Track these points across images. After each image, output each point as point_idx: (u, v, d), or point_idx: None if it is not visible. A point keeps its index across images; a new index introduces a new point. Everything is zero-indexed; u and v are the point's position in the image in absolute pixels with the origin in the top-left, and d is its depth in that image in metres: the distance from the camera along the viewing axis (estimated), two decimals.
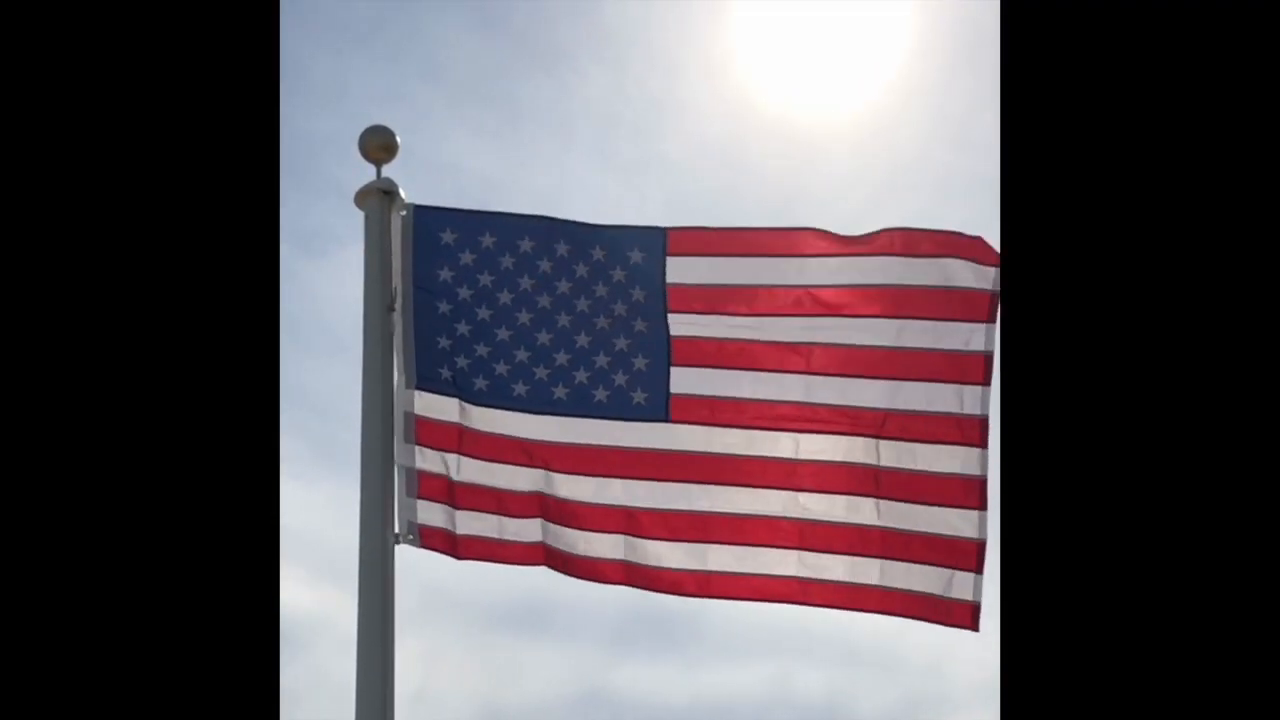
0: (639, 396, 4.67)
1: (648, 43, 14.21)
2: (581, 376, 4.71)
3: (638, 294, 4.72)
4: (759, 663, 14.44)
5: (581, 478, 4.69)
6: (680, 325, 4.68)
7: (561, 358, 4.71)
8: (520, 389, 4.71)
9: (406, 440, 4.67)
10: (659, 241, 4.70)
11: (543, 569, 4.80)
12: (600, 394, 4.69)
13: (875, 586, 4.57)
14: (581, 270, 4.74)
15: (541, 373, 4.71)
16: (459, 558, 4.72)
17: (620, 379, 4.70)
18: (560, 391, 4.70)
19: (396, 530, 4.56)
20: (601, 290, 4.73)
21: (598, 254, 4.74)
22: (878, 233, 4.61)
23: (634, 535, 4.68)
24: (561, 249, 4.74)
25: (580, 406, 4.69)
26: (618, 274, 4.73)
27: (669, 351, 4.67)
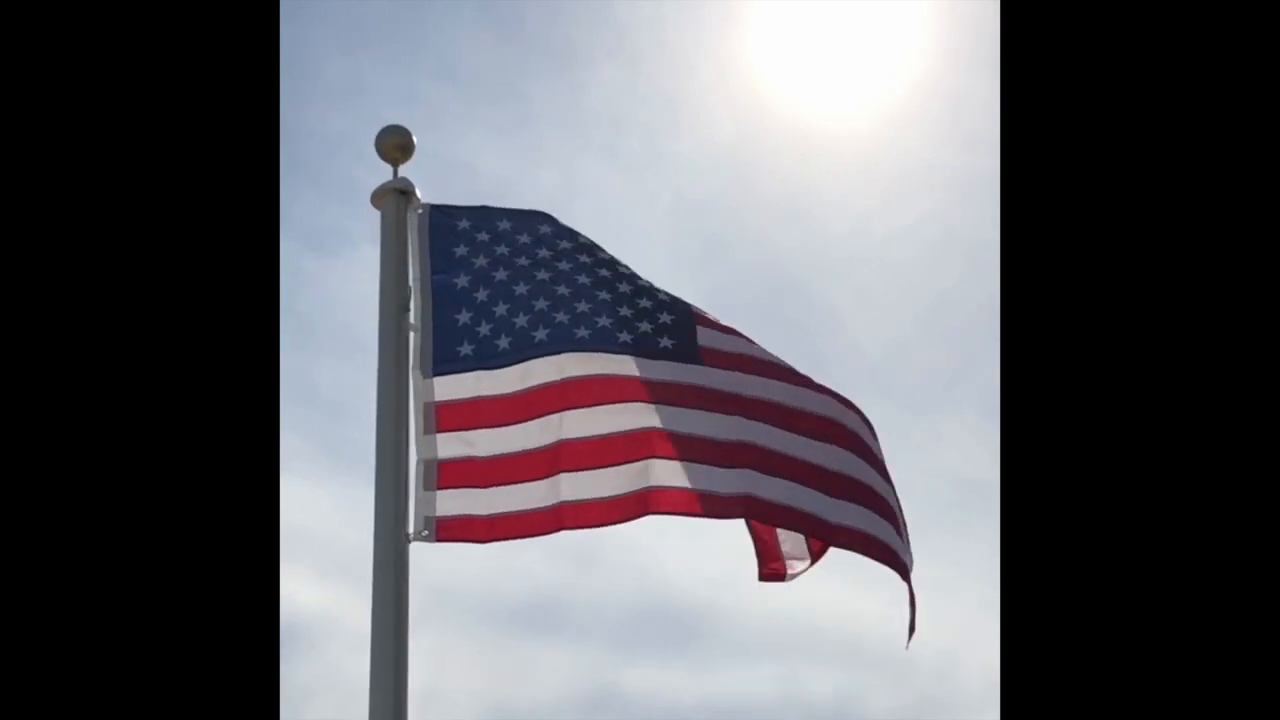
0: (666, 342, 4.74)
1: (659, 42, 14.22)
2: (604, 321, 4.76)
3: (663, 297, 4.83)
4: (768, 664, 14.44)
5: (600, 408, 4.68)
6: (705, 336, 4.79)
7: (583, 306, 4.77)
8: (541, 334, 4.73)
9: (426, 431, 4.66)
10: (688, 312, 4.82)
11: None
12: (625, 336, 4.74)
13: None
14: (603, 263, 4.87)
15: (562, 317, 4.75)
16: (483, 541, 4.70)
17: (645, 327, 4.76)
18: (583, 332, 4.73)
19: (410, 529, 4.53)
20: (626, 286, 4.83)
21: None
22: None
23: (656, 458, 4.65)
24: (583, 238, 4.89)
25: (603, 344, 4.72)
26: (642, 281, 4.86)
27: (694, 318, 4.79)
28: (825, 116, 13.26)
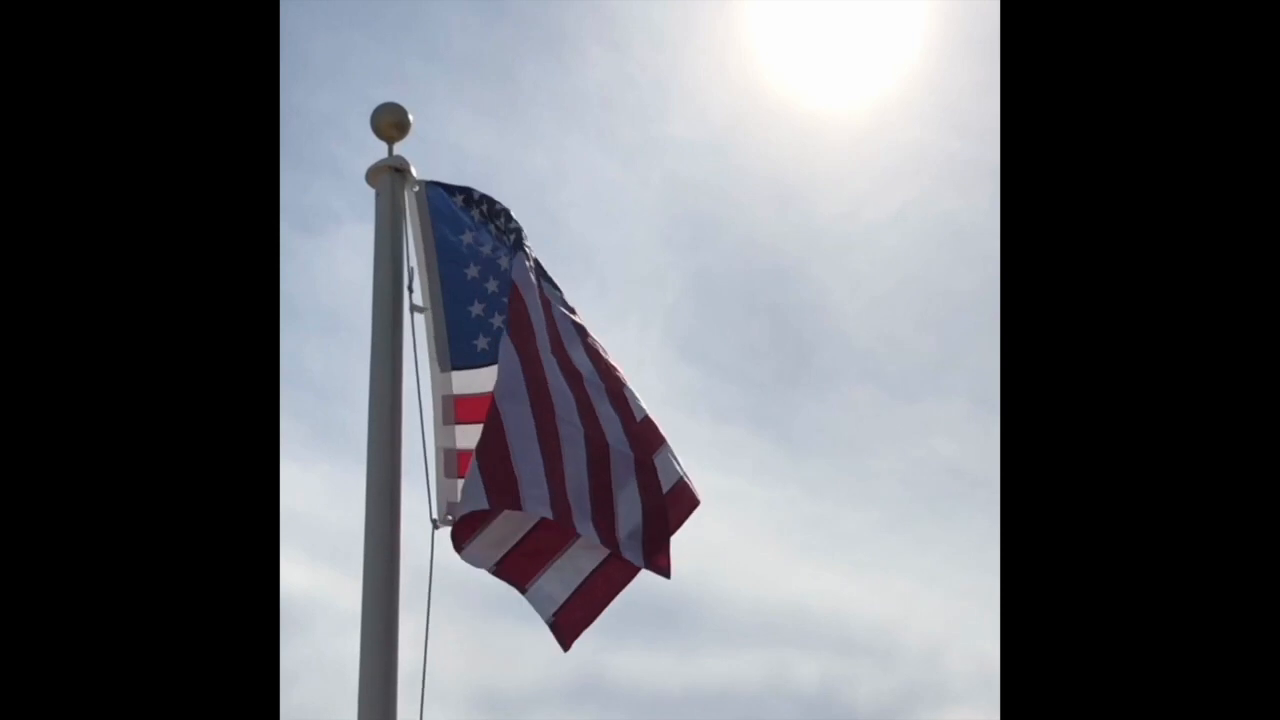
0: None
1: (650, 26, 14.21)
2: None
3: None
4: (755, 651, 14.48)
5: None
6: None
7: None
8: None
9: (445, 423, 4.76)
10: None
11: None
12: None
13: None
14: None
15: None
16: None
17: None
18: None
19: (434, 515, 4.62)
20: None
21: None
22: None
23: None
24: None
25: None
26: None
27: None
28: (817, 101, 13.27)
